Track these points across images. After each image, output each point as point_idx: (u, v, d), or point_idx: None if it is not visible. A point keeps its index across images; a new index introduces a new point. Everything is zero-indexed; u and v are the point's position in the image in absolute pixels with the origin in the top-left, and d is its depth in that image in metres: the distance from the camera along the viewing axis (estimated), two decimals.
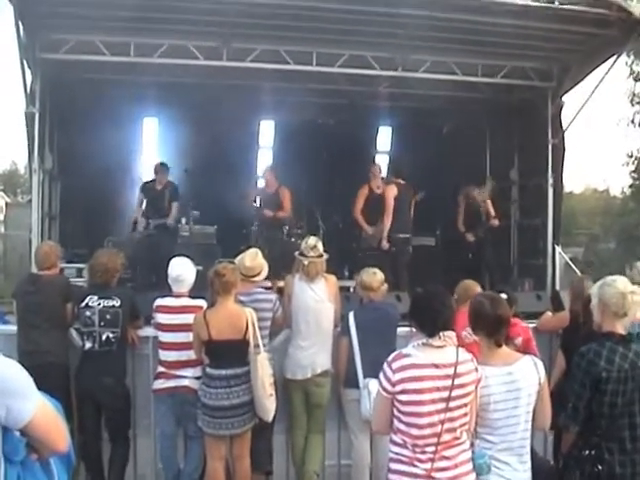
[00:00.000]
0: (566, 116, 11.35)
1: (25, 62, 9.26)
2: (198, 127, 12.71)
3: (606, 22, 9.02)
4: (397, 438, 3.82)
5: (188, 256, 6.59)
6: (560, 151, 11.42)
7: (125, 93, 11.90)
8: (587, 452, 4.31)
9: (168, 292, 6.29)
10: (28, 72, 9.50)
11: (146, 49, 9.72)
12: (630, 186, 27.69)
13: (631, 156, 26.15)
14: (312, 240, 6.55)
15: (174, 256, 6.59)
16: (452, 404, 3.72)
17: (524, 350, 5.39)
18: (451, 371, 3.73)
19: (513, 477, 3.99)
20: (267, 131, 14.68)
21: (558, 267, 11.36)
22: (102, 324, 6.07)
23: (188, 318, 5.91)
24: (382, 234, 10.32)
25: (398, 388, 3.73)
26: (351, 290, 9.61)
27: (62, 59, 9.65)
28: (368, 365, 5.94)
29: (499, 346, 4.07)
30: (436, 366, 3.74)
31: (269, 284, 7.48)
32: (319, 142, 13.64)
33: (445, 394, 3.71)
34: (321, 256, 6.46)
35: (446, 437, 3.73)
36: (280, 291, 7.02)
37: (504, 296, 4.70)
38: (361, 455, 6.39)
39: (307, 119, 13.72)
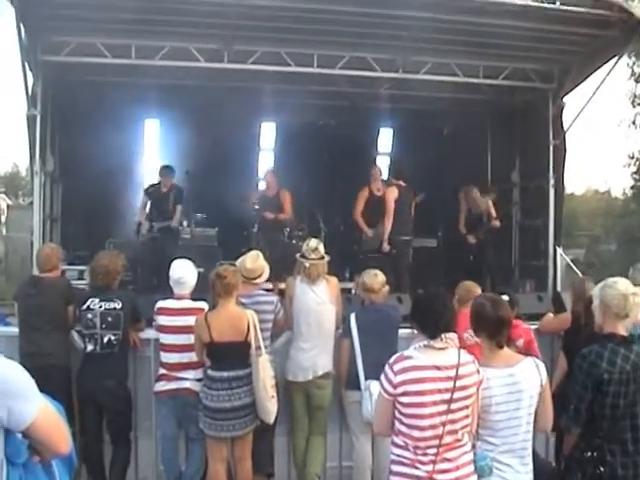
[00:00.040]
0: (567, 117, 11.39)
1: (27, 64, 9.28)
2: (199, 129, 12.73)
3: (607, 23, 9.02)
4: (399, 440, 3.82)
5: (189, 258, 6.59)
6: (561, 152, 11.42)
7: (126, 95, 11.93)
8: (589, 454, 4.30)
9: (170, 294, 6.30)
10: (30, 74, 9.51)
11: (147, 51, 9.74)
12: (631, 187, 27.66)
13: (632, 157, 26.14)
14: (313, 242, 6.54)
15: (175, 258, 6.59)
16: (454, 406, 3.72)
17: (526, 352, 5.38)
18: (453, 373, 3.73)
19: (515, 479, 3.98)
20: (268, 133, 14.72)
21: (559, 268, 11.35)
22: (103, 326, 6.07)
23: (189, 320, 5.90)
24: (383, 236, 10.33)
25: (399, 390, 3.72)
26: (353, 292, 9.62)
27: (63, 61, 9.67)
28: (369, 367, 5.94)
29: (500, 348, 4.07)
30: (438, 368, 3.74)
31: (270, 286, 7.48)
32: (320, 144, 13.66)
33: (447, 396, 3.71)
34: (322, 258, 6.46)
35: (448, 439, 3.73)
36: (281, 293, 7.01)
37: (506, 298, 4.70)
38: (362, 457, 6.38)
39: (308, 121, 13.73)
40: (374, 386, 5.42)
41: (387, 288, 6.68)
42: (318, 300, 6.38)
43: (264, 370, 5.70)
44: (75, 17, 8.89)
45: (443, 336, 3.80)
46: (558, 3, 8.72)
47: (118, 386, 6.17)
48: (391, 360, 3.83)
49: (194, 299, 6.25)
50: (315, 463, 6.51)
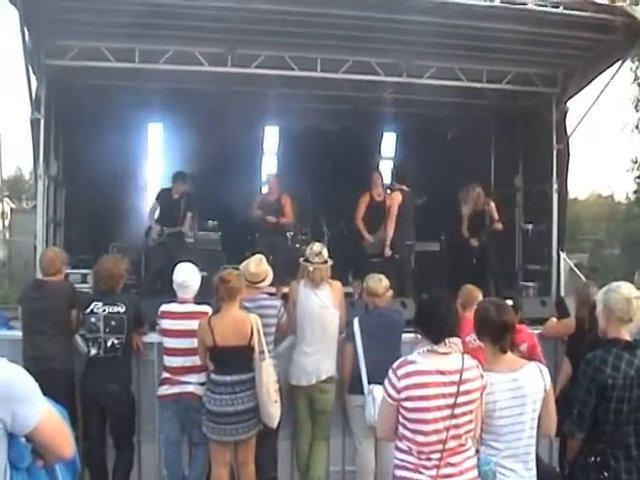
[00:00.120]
0: (570, 122, 11.38)
1: (30, 68, 9.29)
2: (203, 133, 12.75)
3: (611, 27, 9.01)
4: (402, 445, 3.81)
5: (193, 262, 6.60)
6: (565, 157, 11.41)
7: (130, 99, 11.94)
8: (593, 459, 4.30)
9: (173, 298, 6.30)
10: (33, 78, 9.52)
11: (151, 55, 9.74)
12: (635, 192, 27.61)
13: (635, 162, 26.08)
14: (317, 246, 6.54)
15: (179, 262, 6.59)
16: (457, 411, 3.72)
17: (529, 356, 5.39)
18: (457, 378, 3.73)
19: None
20: (271, 137, 14.73)
21: (563, 273, 11.34)
22: (107, 330, 6.08)
23: (193, 324, 5.90)
24: (385, 241, 10.32)
25: (403, 395, 3.72)
26: (355, 296, 9.63)
27: (67, 65, 9.68)
28: (373, 371, 5.94)
29: (504, 352, 4.06)
30: (441, 373, 3.73)
31: (274, 290, 7.48)
32: (323, 148, 13.68)
33: (451, 401, 3.70)
34: (326, 262, 6.46)
35: (451, 444, 3.73)
36: (285, 297, 7.01)
37: (510, 302, 4.70)
38: (366, 461, 6.37)
39: (311, 125, 13.74)
40: (377, 390, 5.41)
41: (391, 292, 6.68)
42: (321, 304, 6.37)
43: (267, 374, 5.69)
44: (79, 21, 8.91)
45: (447, 341, 3.80)
46: (561, 7, 8.72)
47: (121, 390, 6.17)
48: (395, 365, 3.83)
49: (197, 303, 6.25)
50: (318, 467, 6.52)
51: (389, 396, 3.79)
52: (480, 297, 6.22)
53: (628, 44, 9.35)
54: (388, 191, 11.19)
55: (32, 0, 8.13)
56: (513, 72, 10.73)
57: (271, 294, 6.81)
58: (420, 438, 3.72)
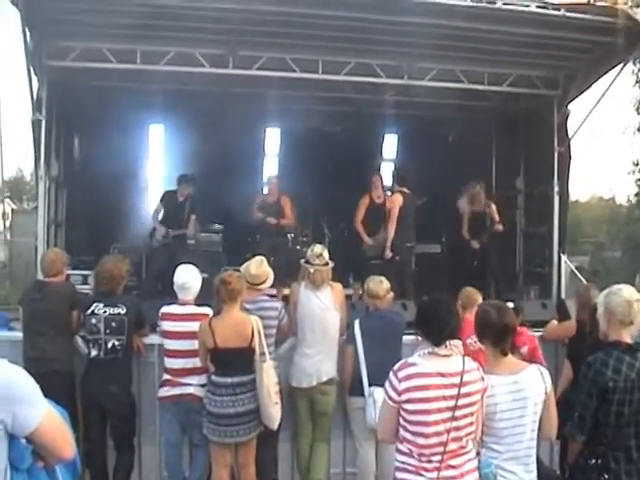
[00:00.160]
0: (572, 124, 11.39)
1: (32, 69, 9.31)
2: (204, 134, 12.76)
3: (612, 30, 9.00)
4: (403, 447, 3.81)
5: (194, 264, 6.59)
6: (566, 159, 11.41)
7: (131, 100, 11.95)
8: (593, 461, 4.29)
9: (174, 300, 6.30)
10: (35, 79, 9.55)
11: (152, 57, 9.76)
12: (636, 194, 27.55)
13: (637, 164, 26.03)
14: (318, 248, 6.53)
15: (180, 264, 6.59)
16: (458, 413, 3.71)
17: (530, 359, 5.39)
18: (457, 380, 3.72)
19: None
20: (273, 139, 14.73)
21: (564, 275, 11.34)
22: (108, 332, 6.07)
23: (193, 326, 5.89)
24: (385, 243, 10.32)
25: (404, 397, 3.71)
26: (355, 298, 9.63)
27: (69, 66, 9.69)
28: (373, 373, 5.93)
29: (505, 355, 4.06)
30: (442, 375, 3.73)
31: (274, 292, 7.47)
32: (325, 150, 13.69)
33: (451, 403, 3.70)
34: (327, 264, 6.45)
35: (452, 446, 3.72)
36: (285, 299, 7.01)
37: (510, 305, 4.70)
38: (366, 463, 6.36)
39: (313, 127, 13.75)
40: (378, 393, 5.41)
41: (392, 294, 6.67)
42: (322, 306, 6.36)
43: (268, 376, 5.68)
44: (80, 22, 8.93)
45: (447, 343, 3.80)
46: (563, 10, 8.73)
47: (122, 391, 6.16)
48: (395, 367, 3.82)
49: (198, 305, 6.25)
50: (319, 469, 6.51)
51: (390, 398, 3.78)
52: (480, 299, 6.23)
53: (629, 46, 9.35)
54: (389, 193, 11.19)
55: (34, 1, 8.14)
56: (514, 74, 10.75)
57: (272, 296, 6.81)
58: (421, 440, 3.72)
